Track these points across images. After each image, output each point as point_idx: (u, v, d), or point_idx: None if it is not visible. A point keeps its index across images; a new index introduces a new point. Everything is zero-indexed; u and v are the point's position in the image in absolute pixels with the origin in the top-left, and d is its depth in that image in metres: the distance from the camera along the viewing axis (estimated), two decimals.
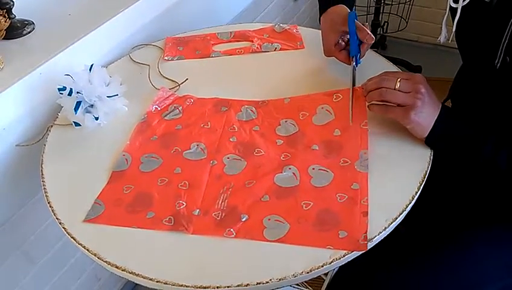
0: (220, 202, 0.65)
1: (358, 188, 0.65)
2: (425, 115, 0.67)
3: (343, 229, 0.59)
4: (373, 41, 0.82)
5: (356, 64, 0.82)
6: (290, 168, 0.69)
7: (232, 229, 0.61)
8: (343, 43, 0.85)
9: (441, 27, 0.76)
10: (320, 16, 0.88)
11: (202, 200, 0.65)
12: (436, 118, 0.67)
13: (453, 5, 0.69)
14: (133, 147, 0.75)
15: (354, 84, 0.79)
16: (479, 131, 0.67)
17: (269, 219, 0.62)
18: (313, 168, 0.69)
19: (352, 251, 0.57)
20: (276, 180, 0.67)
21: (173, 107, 0.83)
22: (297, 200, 0.64)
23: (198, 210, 0.64)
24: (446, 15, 0.72)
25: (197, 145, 0.74)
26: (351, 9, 0.85)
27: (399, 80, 0.67)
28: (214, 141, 0.75)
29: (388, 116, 0.70)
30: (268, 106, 0.81)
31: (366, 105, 0.74)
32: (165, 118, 0.81)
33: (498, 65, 0.68)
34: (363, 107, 0.76)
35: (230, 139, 0.75)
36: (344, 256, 0.56)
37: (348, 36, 0.83)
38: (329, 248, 0.57)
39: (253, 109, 0.81)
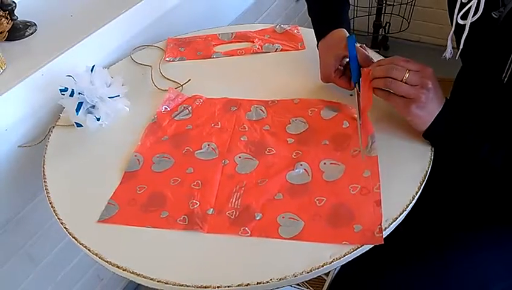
0: (233, 201, 0.65)
1: (369, 175, 0.65)
2: (427, 110, 0.66)
3: (358, 223, 0.60)
4: None
5: (360, 90, 0.76)
6: (301, 165, 0.69)
7: (247, 228, 0.61)
8: (342, 68, 0.82)
9: (446, 43, 0.74)
10: (318, 41, 0.86)
11: (215, 199, 0.65)
12: (437, 114, 0.67)
13: (461, 22, 0.68)
14: (144, 147, 0.75)
15: (360, 111, 0.75)
16: (479, 130, 0.67)
17: (283, 217, 0.62)
18: (324, 163, 0.69)
19: (369, 245, 0.58)
20: (289, 178, 0.68)
21: (183, 108, 0.83)
22: (311, 197, 0.64)
23: (212, 209, 0.64)
24: (452, 31, 0.71)
25: (208, 145, 0.75)
26: (348, 33, 0.82)
27: (408, 71, 0.66)
28: (225, 140, 0.75)
29: (389, 103, 0.69)
30: (278, 105, 0.82)
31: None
32: (175, 118, 0.81)
33: (506, 79, 0.67)
34: (369, 92, 0.74)
35: (241, 139, 0.75)
36: (344, 255, 0.57)
37: (347, 60, 0.80)
38: (345, 244, 0.58)
39: (263, 108, 0.81)
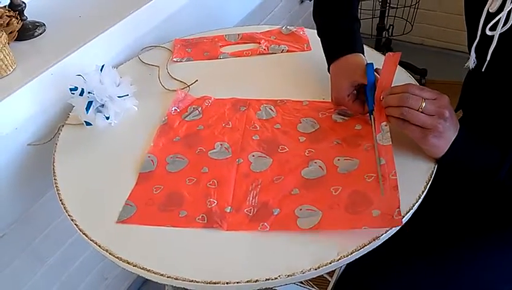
0: (250, 199, 0.66)
1: (384, 162, 0.66)
2: (444, 139, 0.65)
3: (376, 208, 0.60)
4: None
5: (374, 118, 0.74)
6: (315, 162, 0.70)
7: (265, 223, 0.62)
8: (355, 92, 0.78)
9: (469, 53, 0.72)
10: (329, 63, 0.82)
11: (232, 197, 0.66)
12: (452, 142, 0.65)
13: (490, 33, 0.65)
14: (157, 148, 0.76)
15: (376, 136, 0.72)
16: (493, 160, 0.65)
17: (301, 209, 0.63)
18: (338, 159, 0.70)
19: (388, 227, 0.58)
20: (304, 174, 0.69)
21: (192, 108, 0.84)
22: (327, 187, 0.65)
23: (230, 207, 0.65)
24: (476, 41, 0.69)
25: (221, 144, 0.76)
26: (361, 52, 0.79)
27: (424, 100, 0.63)
28: (237, 139, 0.76)
29: (405, 133, 0.67)
30: (287, 105, 0.83)
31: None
32: (186, 119, 0.82)
33: None
34: (391, 74, 0.73)
35: (253, 137, 0.76)
36: (352, 253, 0.57)
37: (360, 84, 0.77)
38: (365, 229, 0.58)
39: (272, 107, 0.82)
